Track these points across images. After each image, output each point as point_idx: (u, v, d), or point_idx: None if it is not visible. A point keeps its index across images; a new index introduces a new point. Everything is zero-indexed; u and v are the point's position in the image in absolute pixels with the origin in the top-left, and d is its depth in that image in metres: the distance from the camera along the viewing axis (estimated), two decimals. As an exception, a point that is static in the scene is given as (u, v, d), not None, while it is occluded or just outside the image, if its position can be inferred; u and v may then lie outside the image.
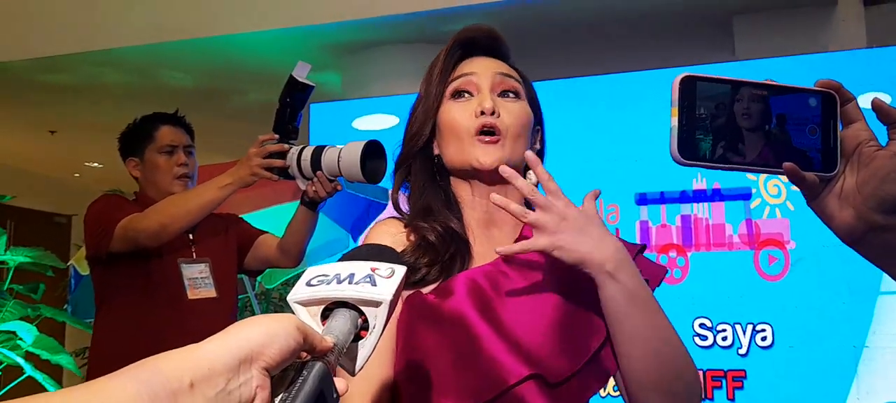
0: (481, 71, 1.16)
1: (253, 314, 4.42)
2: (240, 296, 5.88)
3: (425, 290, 1.10)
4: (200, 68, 5.47)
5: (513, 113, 1.14)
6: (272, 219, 3.62)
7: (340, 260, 0.78)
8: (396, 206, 1.21)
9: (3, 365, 4.34)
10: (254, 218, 2.88)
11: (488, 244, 1.15)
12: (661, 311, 1.02)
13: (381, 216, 1.23)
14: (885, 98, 0.73)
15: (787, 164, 0.72)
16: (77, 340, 7.03)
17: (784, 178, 0.74)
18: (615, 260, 0.99)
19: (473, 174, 1.15)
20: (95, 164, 8.58)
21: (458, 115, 1.15)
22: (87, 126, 6.97)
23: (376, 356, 1.09)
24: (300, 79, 2.13)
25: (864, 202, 0.72)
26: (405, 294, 1.11)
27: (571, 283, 1.08)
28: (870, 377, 3.24)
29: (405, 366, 1.08)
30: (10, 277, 4.41)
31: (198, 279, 2.33)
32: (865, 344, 3.26)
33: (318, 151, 2.06)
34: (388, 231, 1.16)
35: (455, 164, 1.16)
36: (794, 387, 3.31)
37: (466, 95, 1.16)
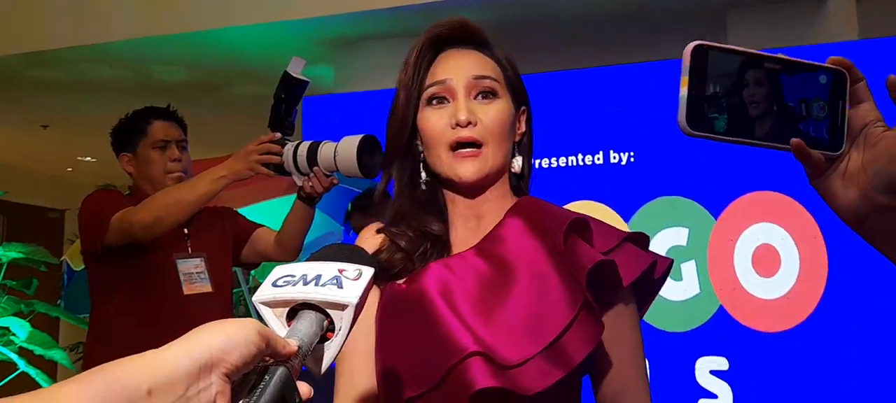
0: (456, 74, 1.13)
1: (247, 308, 4.42)
2: (234, 290, 5.88)
3: (400, 280, 1.11)
4: (193, 62, 5.45)
5: (491, 116, 1.12)
6: (267, 214, 3.62)
7: (309, 259, 0.77)
8: (380, 206, 1.21)
9: (-4, 361, 4.34)
10: (248, 213, 2.88)
11: (468, 236, 1.15)
12: None
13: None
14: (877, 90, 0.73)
15: (794, 141, 0.71)
16: (71, 335, 7.02)
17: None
18: None
19: (453, 184, 1.15)
20: (88, 158, 8.55)
21: (435, 124, 1.13)
22: (80, 120, 6.94)
23: (364, 360, 1.09)
24: (295, 75, 2.12)
25: (870, 183, 0.71)
26: (382, 288, 1.11)
27: (539, 274, 1.07)
28: None
29: (379, 359, 1.09)
30: (3, 273, 4.39)
31: (193, 274, 2.33)
32: None
33: (314, 147, 2.05)
34: (371, 233, 1.17)
35: (437, 172, 1.16)
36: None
37: (443, 101, 1.14)
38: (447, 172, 1.13)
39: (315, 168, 2.04)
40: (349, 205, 2.37)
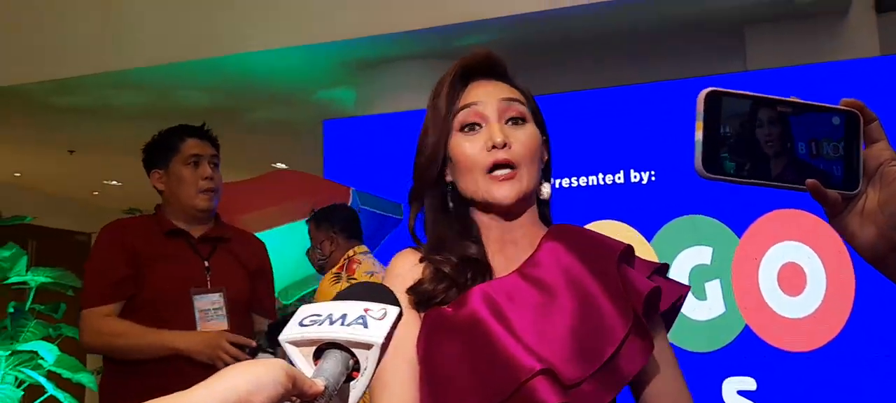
0: (486, 99, 1.16)
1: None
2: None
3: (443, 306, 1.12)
4: (216, 87, 5.52)
5: (523, 141, 1.15)
6: (286, 237, 3.64)
7: (335, 298, 0.78)
8: (414, 236, 1.23)
9: (25, 385, 4.39)
10: (268, 236, 2.89)
11: (505, 262, 1.16)
12: None
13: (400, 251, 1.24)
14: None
15: (809, 181, 0.72)
16: (98, 359, 7.07)
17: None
18: None
19: (490, 207, 1.17)
20: (114, 182, 8.66)
21: (469, 151, 1.15)
22: (105, 145, 7.04)
23: (405, 388, 1.10)
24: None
25: (887, 221, 0.72)
26: (422, 313, 1.12)
27: (585, 296, 1.09)
28: None
29: (426, 382, 1.09)
30: (31, 297, 4.45)
31: (209, 310, 2.26)
32: None
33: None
34: (408, 261, 1.18)
35: (471, 196, 1.17)
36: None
37: (476, 128, 1.16)
38: (483, 196, 1.15)
39: None
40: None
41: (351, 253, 3.18)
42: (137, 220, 2.53)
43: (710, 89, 0.72)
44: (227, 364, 2.01)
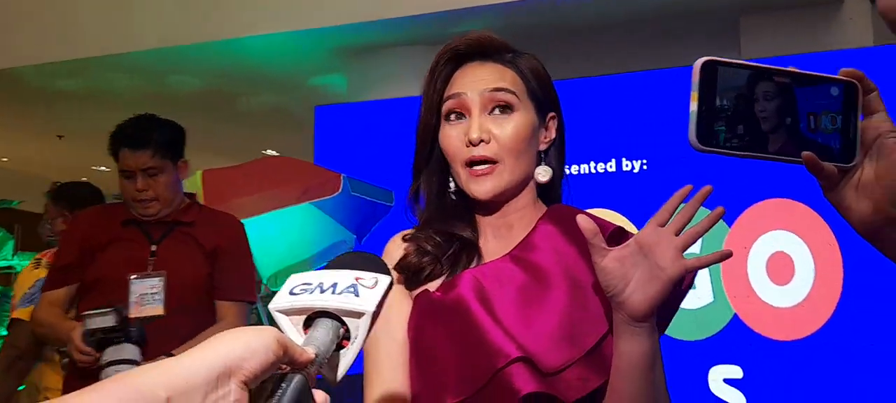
0: (470, 89, 1.13)
1: (259, 318, 4.43)
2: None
3: (432, 288, 1.11)
4: (208, 71, 5.49)
5: (507, 132, 1.12)
6: (275, 223, 3.63)
7: (325, 267, 0.77)
8: (413, 214, 1.22)
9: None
10: (257, 223, 2.87)
11: (499, 244, 1.15)
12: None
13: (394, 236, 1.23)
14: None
15: (805, 154, 0.71)
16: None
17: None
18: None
19: (473, 199, 1.16)
20: (103, 168, 8.61)
21: (452, 141, 1.13)
22: (95, 130, 6.98)
23: (397, 368, 1.09)
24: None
25: (883, 194, 0.70)
26: (414, 294, 1.12)
27: (576, 281, 1.08)
28: None
29: (414, 365, 1.09)
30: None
31: (147, 295, 2.21)
32: None
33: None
34: (398, 244, 1.17)
35: (458, 184, 1.17)
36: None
37: (462, 117, 1.14)
38: (463, 186, 1.14)
39: None
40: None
41: None
42: (107, 209, 2.52)
43: (706, 58, 0.71)
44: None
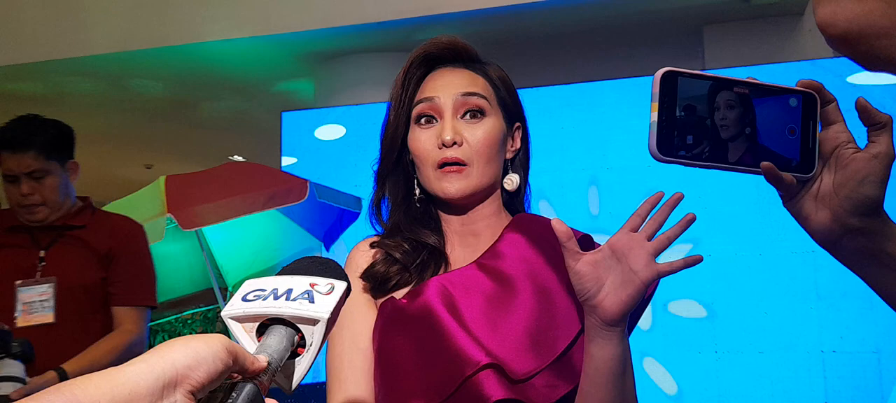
0: (443, 92, 1.14)
1: (224, 327, 4.39)
2: (211, 307, 5.81)
3: (398, 295, 1.11)
4: (172, 76, 5.42)
5: (478, 136, 1.12)
6: (240, 230, 3.59)
7: (280, 273, 0.75)
8: (377, 221, 1.20)
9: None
10: (224, 229, 2.83)
11: (466, 254, 1.15)
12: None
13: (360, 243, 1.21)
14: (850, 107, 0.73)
15: (764, 164, 0.71)
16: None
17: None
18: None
19: (441, 201, 1.16)
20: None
21: (422, 144, 1.13)
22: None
23: (360, 376, 1.08)
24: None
25: (841, 204, 0.71)
26: (379, 302, 1.11)
27: (543, 288, 1.08)
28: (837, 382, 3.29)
29: (379, 374, 1.08)
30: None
31: (35, 302, 2.14)
32: (833, 349, 3.30)
33: None
34: (363, 251, 1.17)
35: (426, 189, 1.16)
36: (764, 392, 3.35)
37: (432, 121, 1.14)
38: (434, 189, 1.14)
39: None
40: None
41: None
42: None
43: (666, 69, 0.71)
44: None
